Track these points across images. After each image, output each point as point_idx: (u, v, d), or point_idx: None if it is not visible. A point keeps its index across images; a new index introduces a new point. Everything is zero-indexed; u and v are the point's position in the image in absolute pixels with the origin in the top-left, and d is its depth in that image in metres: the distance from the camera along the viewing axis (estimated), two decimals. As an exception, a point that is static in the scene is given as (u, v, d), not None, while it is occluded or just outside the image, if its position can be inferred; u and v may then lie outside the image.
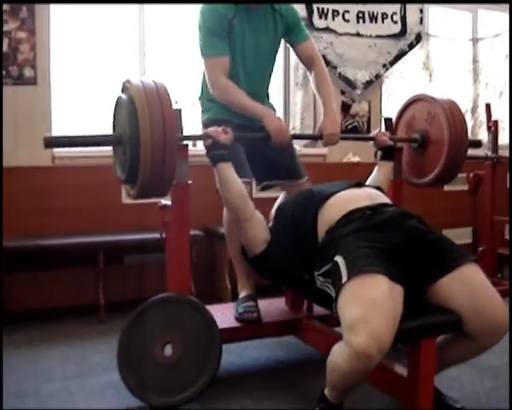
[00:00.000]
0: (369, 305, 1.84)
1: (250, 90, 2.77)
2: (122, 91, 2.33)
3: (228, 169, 2.47)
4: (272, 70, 2.99)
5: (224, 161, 2.46)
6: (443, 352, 2.20)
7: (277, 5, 2.85)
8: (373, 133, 2.99)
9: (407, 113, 3.19)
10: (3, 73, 3.73)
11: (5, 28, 3.71)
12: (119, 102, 2.33)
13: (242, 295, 2.87)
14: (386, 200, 2.41)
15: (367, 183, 2.88)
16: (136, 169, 2.20)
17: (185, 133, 2.43)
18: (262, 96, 2.93)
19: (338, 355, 1.91)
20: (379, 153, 2.94)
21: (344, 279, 1.94)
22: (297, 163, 3.03)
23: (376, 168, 2.93)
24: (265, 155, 2.84)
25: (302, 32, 2.94)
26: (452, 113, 2.95)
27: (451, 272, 2.08)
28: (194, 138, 2.55)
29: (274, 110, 2.99)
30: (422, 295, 2.12)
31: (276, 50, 2.96)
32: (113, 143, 2.40)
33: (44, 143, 2.26)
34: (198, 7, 2.73)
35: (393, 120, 3.22)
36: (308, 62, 2.93)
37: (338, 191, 2.37)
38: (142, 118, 2.14)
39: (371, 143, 2.95)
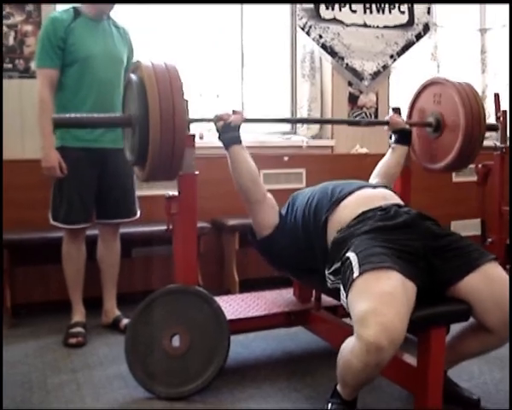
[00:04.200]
0: (380, 298, 1.80)
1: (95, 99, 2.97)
2: (132, 72, 2.32)
3: (240, 151, 2.46)
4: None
5: (236, 144, 2.45)
6: (462, 344, 2.19)
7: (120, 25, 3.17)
8: (387, 117, 2.97)
9: (420, 99, 3.14)
10: (10, 66, 3.73)
11: (11, 21, 3.72)
12: (129, 82, 2.31)
13: (73, 321, 3.14)
14: (399, 201, 2.39)
15: (378, 166, 2.86)
16: (145, 150, 2.18)
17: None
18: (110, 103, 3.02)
19: (348, 351, 1.85)
20: (393, 136, 2.90)
21: (356, 274, 1.90)
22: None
23: (389, 152, 2.90)
24: None
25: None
26: (466, 93, 2.89)
27: (472, 272, 2.06)
28: (204, 121, 2.54)
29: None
30: (442, 295, 2.10)
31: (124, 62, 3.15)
32: (122, 123, 2.40)
33: (53, 124, 2.26)
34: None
35: (406, 108, 3.18)
36: None
37: (352, 192, 2.35)
38: (152, 98, 2.13)
39: (385, 128, 2.95)
